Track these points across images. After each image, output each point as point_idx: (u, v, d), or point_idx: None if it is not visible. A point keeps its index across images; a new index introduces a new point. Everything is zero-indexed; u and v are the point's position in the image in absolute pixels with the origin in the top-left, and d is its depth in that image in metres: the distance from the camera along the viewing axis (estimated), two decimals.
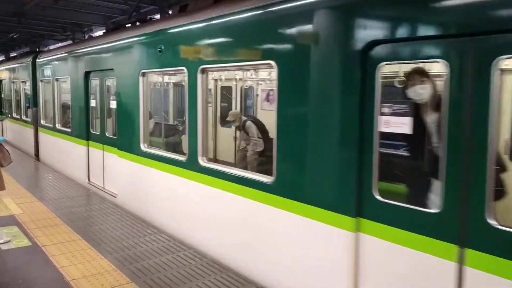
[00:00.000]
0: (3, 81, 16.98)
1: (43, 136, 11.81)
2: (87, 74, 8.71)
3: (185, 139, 7.85)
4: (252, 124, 7.19)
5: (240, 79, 8.32)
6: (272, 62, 4.20)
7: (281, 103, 4.17)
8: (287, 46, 4.11)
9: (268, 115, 7.54)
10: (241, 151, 7.57)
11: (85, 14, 15.94)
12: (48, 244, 5.37)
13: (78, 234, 5.78)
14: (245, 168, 6.73)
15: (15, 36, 19.81)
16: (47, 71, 11.31)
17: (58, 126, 10.59)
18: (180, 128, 8.61)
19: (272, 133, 6.88)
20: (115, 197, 7.60)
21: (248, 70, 7.66)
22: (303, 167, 3.99)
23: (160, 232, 5.91)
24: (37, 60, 11.97)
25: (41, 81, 11.74)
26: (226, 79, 9.02)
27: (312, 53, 3.85)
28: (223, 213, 5.03)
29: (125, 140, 7.24)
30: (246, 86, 8.65)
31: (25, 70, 13.14)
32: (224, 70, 7.35)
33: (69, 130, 9.77)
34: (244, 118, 7.38)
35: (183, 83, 8.20)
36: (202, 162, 5.32)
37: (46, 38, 20.87)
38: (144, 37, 6.67)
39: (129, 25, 8.33)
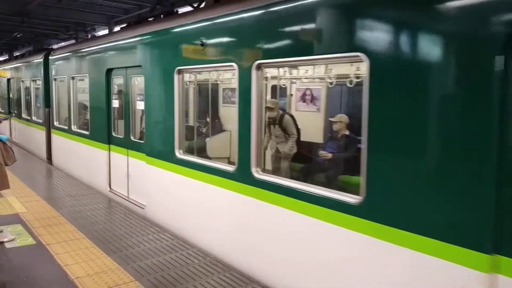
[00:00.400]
0: (11, 80, 16.30)
1: (57, 138, 11.03)
2: (109, 72, 7.91)
3: (215, 143, 7.53)
4: (291, 120, 6.41)
5: (274, 77, 7.28)
6: (362, 55, 3.41)
7: (377, 104, 3.34)
8: (389, 36, 3.28)
9: (303, 117, 7.02)
10: (273, 152, 6.54)
11: (88, 13, 15.99)
12: (52, 242, 5.40)
13: (82, 232, 5.80)
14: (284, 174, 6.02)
15: (18, 36, 19.87)
16: (62, 69, 10.60)
17: (74, 128, 9.77)
18: (203, 131, 8.11)
19: (305, 135, 6.61)
20: (143, 208, 6.85)
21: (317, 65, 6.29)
22: (420, 185, 3.06)
23: (164, 231, 5.93)
24: (50, 57, 11.24)
25: (55, 79, 11.00)
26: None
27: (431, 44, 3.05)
28: (289, 235, 4.19)
29: (155, 146, 6.52)
30: (282, 85, 7.55)
31: (36, 68, 12.42)
32: (284, 66, 6.10)
33: (87, 132, 9.01)
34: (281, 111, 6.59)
35: (217, 82, 7.70)
36: (257, 174, 4.56)
37: (49, 38, 20.94)
38: (180, 29, 5.86)
39: (151, 19, 7.65)
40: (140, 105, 7.02)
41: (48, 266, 4.71)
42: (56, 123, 11.05)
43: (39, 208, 6.96)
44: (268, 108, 6.15)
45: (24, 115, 14.35)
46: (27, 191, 8.10)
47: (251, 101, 4.56)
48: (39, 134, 12.27)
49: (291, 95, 7.63)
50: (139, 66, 6.77)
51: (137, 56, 6.87)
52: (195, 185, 5.51)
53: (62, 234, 5.73)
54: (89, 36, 16.60)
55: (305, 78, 6.92)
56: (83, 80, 9.55)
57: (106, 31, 17.12)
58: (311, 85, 7.28)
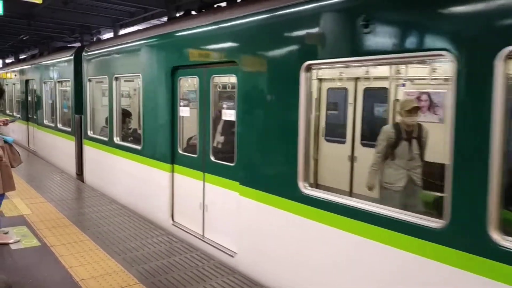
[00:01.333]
0: (30, 81, 14.28)
1: (91, 151, 9.02)
2: (174, 70, 6.08)
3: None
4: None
5: (366, 78, 5.88)
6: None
7: None
8: None
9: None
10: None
11: (93, 16, 16.08)
12: (57, 244, 5.43)
13: (86, 234, 5.83)
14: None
15: (24, 38, 20.01)
16: (101, 68, 8.72)
17: (117, 140, 7.83)
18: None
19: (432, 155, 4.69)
20: (232, 256, 5.06)
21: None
22: None
23: (167, 234, 5.95)
24: (84, 54, 9.27)
25: (89, 80, 9.08)
26: (335, 78, 7.01)
27: None
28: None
29: (259, 172, 4.64)
30: (375, 87, 6.04)
31: (63, 68, 10.65)
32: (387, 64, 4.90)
33: (137, 147, 7.07)
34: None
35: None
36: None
37: (55, 40, 21.08)
38: (318, 3, 3.95)
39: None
40: (229, 115, 5.25)
41: (53, 267, 4.74)
42: (90, 133, 9.03)
43: (44, 209, 7.00)
44: (408, 113, 4.60)
45: (46, 121, 12.26)
46: (32, 193, 8.14)
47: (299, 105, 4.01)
48: (67, 144, 10.42)
49: (397, 100, 6.10)
50: (232, 62, 4.95)
51: (228, 50, 5.11)
52: (332, 234, 3.78)
53: (67, 236, 5.76)
54: (94, 39, 16.60)
55: (423, 79, 5.54)
56: (132, 81, 8.56)
57: (111, 34, 17.23)
58: (427, 88, 5.76)
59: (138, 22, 16.17)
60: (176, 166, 6.22)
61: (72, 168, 10.13)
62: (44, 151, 12.53)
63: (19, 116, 15.78)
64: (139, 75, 7.00)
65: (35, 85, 13.50)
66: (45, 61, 12.40)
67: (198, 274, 4.68)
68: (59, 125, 11.15)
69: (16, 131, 15.39)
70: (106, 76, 8.18)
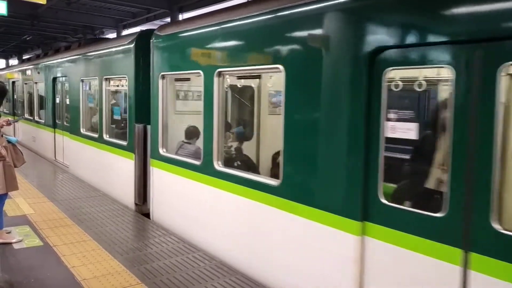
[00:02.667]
0: (59, 79, 11.44)
1: (165, 177, 6.32)
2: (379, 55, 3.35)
3: None
4: None
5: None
6: None
7: None
8: None
9: None
10: None
11: (96, 17, 16.19)
12: (60, 244, 5.44)
13: (88, 234, 5.84)
14: None
15: (28, 38, 20.10)
16: (187, 58, 5.89)
17: (219, 165, 5.19)
18: None
19: None
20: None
21: None
22: None
23: (170, 234, 5.95)
24: (155, 40, 6.50)
25: (162, 78, 6.31)
26: None
27: None
28: None
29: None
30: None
31: (115, 61, 8.15)
32: None
33: (268, 181, 4.49)
34: None
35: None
36: None
37: (58, 40, 21.18)
38: None
39: None
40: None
41: (55, 267, 4.75)
42: (162, 151, 6.35)
43: (46, 209, 7.01)
44: None
45: (83, 130, 9.49)
46: (34, 192, 8.17)
47: None
48: (119, 163, 7.72)
49: None
50: None
51: None
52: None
53: (69, 235, 5.77)
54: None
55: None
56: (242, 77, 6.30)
57: (114, 35, 17.27)
58: None
59: (141, 22, 16.26)
60: (375, 227, 3.43)
61: (126, 195, 7.43)
62: (80, 167, 9.72)
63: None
64: (279, 68, 4.24)
65: (67, 84, 10.70)
66: (84, 53, 9.49)
67: (200, 275, 4.68)
68: (106, 137, 8.29)
69: (38, 138, 13.23)
70: (199, 71, 5.44)
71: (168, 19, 14.26)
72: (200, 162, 5.50)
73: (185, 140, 6.41)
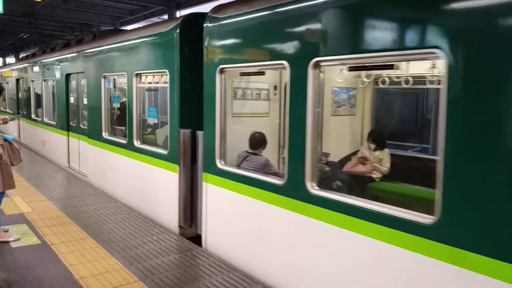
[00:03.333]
0: (74, 76, 9.97)
1: (230, 198, 4.99)
2: None
3: None
4: None
5: None
6: None
7: None
8: None
9: None
10: None
11: (93, 14, 16.13)
12: (57, 242, 5.43)
13: (86, 232, 5.82)
14: None
15: (25, 36, 20.02)
16: (257, 46, 4.62)
17: (313, 188, 3.91)
18: None
19: None
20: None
21: None
22: None
23: (168, 231, 5.94)
24: (210, 24, 5.19)
25: (221, 72, 5.01)
26: None
27: None
28: None
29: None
30: None
31: (150, 53, 6.73)
32: None
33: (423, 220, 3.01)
34: None
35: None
36: None
37: (55, 38, 21.11)
38: None
39: None
40: None
41: (53, 265, 4.73)
42: (220, 164, 5.09)
43: (44, 208, 6.99)
44: None
45: (105, 134, 8.15)
46: (32, 191, 8.14)
47: None
48: (159, 176, 6.36)
49: None
50: None
51: None
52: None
53: (67, 234, 5.75)
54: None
55: None
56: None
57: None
58: None
59: (139, 20, 16.20)
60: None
61: (167, 215, 6.16)
62: (104, 178, 8.39)
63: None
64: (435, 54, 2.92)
65: (83, 81, 9.28)
66: (107, 45, 8.08)
67: (198, 272, 4.67)
68: (137, 143, 6.98)
69: (48, 142, 11.92)
70: (282, 62, 4.13)
71: (165, 16, 14.21)
72: (284, 182, 4.16)
73: (250, 151, 5.29)
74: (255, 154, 5.27)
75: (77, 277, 4.43)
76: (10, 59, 29.55)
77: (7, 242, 5.34)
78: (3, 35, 21.10)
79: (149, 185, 6.71)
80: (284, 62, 4.11)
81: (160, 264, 4.84)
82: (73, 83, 10.10)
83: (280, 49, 4.27)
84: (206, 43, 5.24)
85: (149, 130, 7.66)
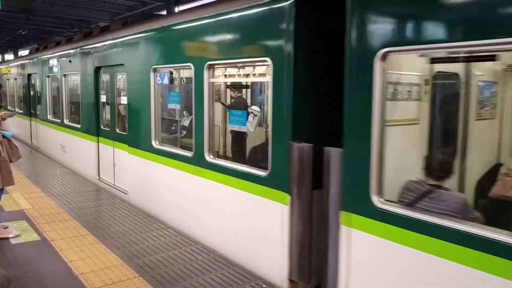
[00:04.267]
0: (105, 69, 8.28)
1: (411, 259, 3.10)
2: None
3: None
4: None
5: None
6: None
7: None
8: None
9: None
10: None
11: (92, 10, 16.07)
12: (57, 238, 5.44)
13: (86, 229, 5.83)
14: None
15: (23, 33, 19.96)
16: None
17: None
18: None
19: None
20: None
21: None
22: None
23: (167, 227, 5.95)
24: None
25: (383, 58, 3.24)
26: None
27: None
28: None
29: None
30: None
31: (235, 36, 4.88)
32: None
33: None
34: None
35: None
36: None
37: (54, 35, 21.06)
38: None
39: None
40: None
41: (53, 262, 4.74)
42: (379, 201, 3.33)
43: (44, 204, 7.00)
44: None
45: (155, 143, 6.46)
46: (31, 187, 8.14)
47: None
48: (252, 206, 4.64)
49: None
50: None
51: None
52: None
53: (67, 230, 5.76)
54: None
55: None
56: None
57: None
58: None
59: (137, 16, 16.12)
60: None
61: (267, 263, 4.49)
62: (150, 195, 6.70)
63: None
64: None
65: (122, 76, 7.69)
66: (163, 29, 6.26)
67: (198, 268, 4.68)
68: (210, 158, 5.26)
69: (71, 148, 10.20)
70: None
71: (164, 13, 14.16)
72: None
73: (431, 181, 3.43)
74: (439, 187, 3.40)
75: (77, 273, 4.45)
76: (9, 56, 29.45)
77: (7, 238, 5.35)
78: (1, 32, 21.04)
79: (233, 216, 4.93)
80: None
81: (160, 260, 4.85)
82: (105, 78, 8.37)
83: None
84: (352, 15, 3.44)
85: (236, 141, 5.93)
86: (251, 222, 4.68)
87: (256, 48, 4.59)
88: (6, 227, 5.65)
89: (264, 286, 4.28)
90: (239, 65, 5.09)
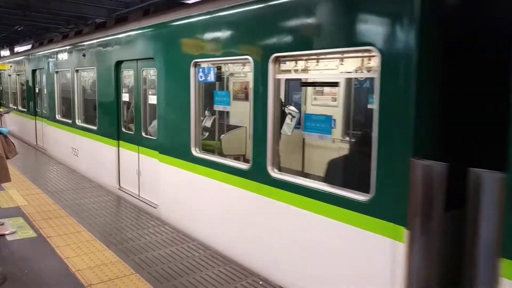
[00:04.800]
0: (127, 64, 7.31)
1: None
2: None
3: None
4: None
5: None
6: None
7: None
8: None
9: None
10: None
11: (89, 7, 16.00)
12: (53, 235, 5.43)
13: (82, 225, 5.82)
14: None
15: (19, 29, 19.85)
16: None
17: None
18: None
19: None
20: None
21: None
22: None
23: (164, 224, 5.95)
24: None
25: None
26: None
27: None
28: None
29: None
30: None
31: (309, 20, 3.83)
32: None
33: None
34: None
35: None
36: None
37: (50, 31, 20.96)
38: None
39: None
40: None
41: (49, 258, 4.74)
42: None
43: (40, 201, 6.98)
44: None
45: (196, 151, 5.50)
46: (27, 184, 8.12)
47: None
48: (341, 237, 3.60)
49: None
50: None
51: None
52: None
53: (63, 227, 5.75)
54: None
55: None
56: None
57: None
58: None
59: (135, 12, 16.06)
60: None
61: None
62: (188, 213, 5.77)
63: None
64: None
65: (147, 71, 6.92)
66: (208, 15, 5.19)
67: (194, 264, 4.68)
68: (274, 173, 4.29)
69: (83, 152, 9.27)
70: None
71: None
72: None
73: None
74: None
75: (73, 270, 4.44)
76: (5, 52, 29.29)
77: (3, 235, 5.33)
78: None
79: (312, 251, 3.92)
80: None
81: (156, 257, 4.85)
82: (127, 74, 7.47)
83: None
84: None
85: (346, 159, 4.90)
86: (340, 262, 3.61)
87: (354, 35, 3.44)
88: (2, 224, 5.64)
89: (260, 282, 4.28)
90: (317, 57, 4.07)
